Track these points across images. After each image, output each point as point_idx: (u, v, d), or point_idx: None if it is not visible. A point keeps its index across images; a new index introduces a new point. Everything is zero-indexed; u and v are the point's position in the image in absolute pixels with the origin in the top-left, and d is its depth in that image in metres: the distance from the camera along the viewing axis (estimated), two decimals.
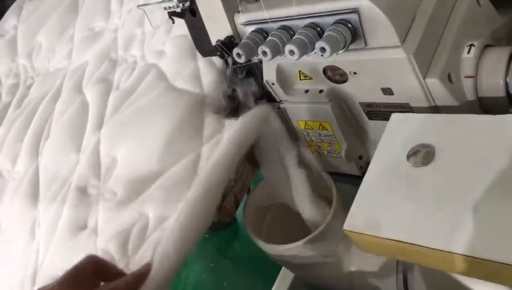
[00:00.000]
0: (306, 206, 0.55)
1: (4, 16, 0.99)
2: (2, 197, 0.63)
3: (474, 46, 0.44)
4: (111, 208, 0.50)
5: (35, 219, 0.58)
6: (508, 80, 0.42)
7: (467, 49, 0.44)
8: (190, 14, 0.51)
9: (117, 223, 0.48)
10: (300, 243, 0.53)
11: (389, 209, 0.39)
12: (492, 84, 0.43)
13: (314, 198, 0.55)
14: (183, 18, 0.52)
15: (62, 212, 0.54)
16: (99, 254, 0.47)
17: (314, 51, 0.42)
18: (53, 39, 0.82)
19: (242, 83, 0.54)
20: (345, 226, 0.40)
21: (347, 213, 0.41)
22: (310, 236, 0.53)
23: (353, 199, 0.41)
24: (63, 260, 0.50)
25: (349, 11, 0.41)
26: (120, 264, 0.44)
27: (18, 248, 0.56)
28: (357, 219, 0.40)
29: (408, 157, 0.40)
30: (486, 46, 0.45)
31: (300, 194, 0.54)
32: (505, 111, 0.43)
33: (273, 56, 0.44)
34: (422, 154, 0.40)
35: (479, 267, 0.33)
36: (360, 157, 0.53)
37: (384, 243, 0.38)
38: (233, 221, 0.70)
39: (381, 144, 0.43)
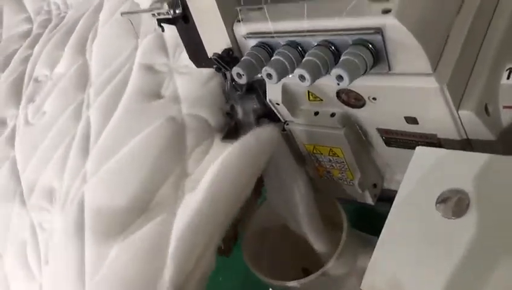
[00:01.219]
0: (313, 234, 0.51)
1: None
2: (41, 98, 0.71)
3: None
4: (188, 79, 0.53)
5: (83, 100, 0.64)
6: None
7: (506, 74, 0.38)
8: (182, 20, 0.45)
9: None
10: (296, 282, 0.49)
11: (414, 268, 0.33)
12: None
13: (320, 226, 0.50)
14: (174, 25, 0.46)
15: (126, 87, 0.58)
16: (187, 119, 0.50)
17: (330, 73, 0.36)
18: None
19: (242, 100, 0.48)
20: (363, 286, 0.34)
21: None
22: (310, 277, 0.49)
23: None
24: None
25: (372, 31, 0.34)
26: None
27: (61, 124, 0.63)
28: (376, 278, 0.34)
29: (437, 204, 0.35)
30: None
31: (306, 221, 0.49)
32: None
33: (279, 79, 0.38)
34: (454, 202, 0.35)
35: None
36: (375, 186, 0.48)
37: None
38: None
39: (404, 184, 0.37)
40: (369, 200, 0.48)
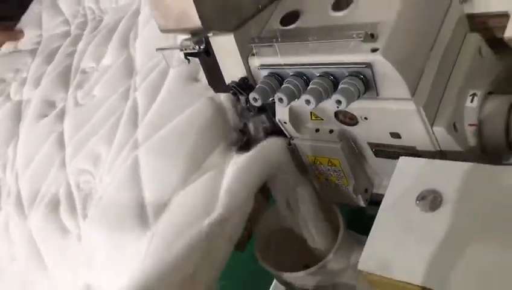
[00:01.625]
0: (312, 236, 0.59)
1: None
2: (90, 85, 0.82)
3: (476, 95, 0.47)
4: None
5: (130, 85, 0.73)
6: (508, 128, 0.46)
7: (470, 98, 0.47)
8: (205, 54, 0.54)
9: None
10: (302, 273, 0.57)
11: (399, 252, 0.42)
12: (494, 131, 0.46)
13: (320, 229, 0.59)
14: (198, 58, 0.54)
15: (168, 74, 0.67)
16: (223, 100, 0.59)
17: (330, 98, 0.45)
18: None
19: (253, 119, 0.56)
20: (359, 267, 0.43)
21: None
22: (312, 269, 0.57)
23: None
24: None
25: (364, 66, 0.43)
26: None
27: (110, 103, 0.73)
28: (370, 260, 0.43)
29: (417, 201, 0.44)
30: (488, 94, 0.48)
31: (308, 224, 0.58)
32: (505, 157, 0.47)
33: (289, 103, 0.47)
34: (430, 200, 0.43)
35: None
36: (366, 191, 0.56)
37: (397, 284, 0.41)
38: None
39: (390, 187, 0.46)
40: (362, 203, 0.57)
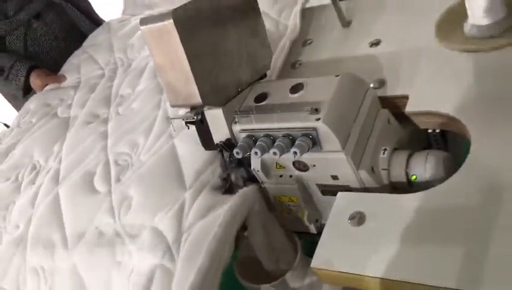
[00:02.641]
0: (276, 257, 0.78)
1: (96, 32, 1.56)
2: (128, 102, 1.09)
3: (386, 150, 0.69)
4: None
5: (161, 99, 1.01)
6: (407, 171, 0.68)
7: (382, 151, 0.70)
8: (200, 122, 0.75)
9: None
10: (267, 285, 0.75)
11: (338, 253, 0.62)
12: (398, 174, 0.68)
13: (283, 251, 0.78)
14: (194, 125, 0.76)
15: None
16: None
17: (289, 151, 0.66)
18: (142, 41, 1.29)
19: (234, 170, 0.77)
20: (312, 265, 0.62)
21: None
22: (274, 283, 0.75)
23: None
24: None
25: (311, 129, 0.65)
26: None
27: (147, 111, 1.00)
28: (318, 259, 0.62)
29: (349, 220, 0.64)
30: (394, 149, 0.71)
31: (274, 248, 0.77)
32: (406, 190, 0.68)
33: (261, 155, 0.68)
34: (357, 218, 0.64)
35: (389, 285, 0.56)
36: (317, 221, 0.77)
37: (337, 275, 0.61)
38: None
39: (332, 211, 0.66)
40: (313, 231, 0.76)
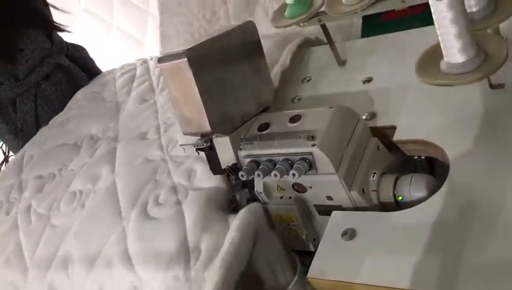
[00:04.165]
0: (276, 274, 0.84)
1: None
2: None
3: (376, 173, 0.77)
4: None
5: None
6: (394, 193, 0.76)
7: (372, 175, 0.77)
8: (209, 149, 0.83)
9: None
10: None
11: (332, 264, 0.69)
12: (386, 195, 0.76)
13: (283, 267, 0.84)
14: (204, 151, 0.84)
15: None
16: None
17: (288, 173, 0.74)
18: None
19: (240, 191, 0.85)
20: (308, 275, 0.70)
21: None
22: None
23: None
24: None
25: (307, 154, 0.74)
26: None
27: None
28: (314, 271, 0.69)
29: (342, 236, 0.72)
30: (383, 173, 0.79)
31: (275, 265, 0.84)
32: (394, 209, 0.75)
33: (264, 177, 0.76)
34: (349, 234, 0.71)
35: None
36: (314, 239, 0.84)
37: (332, 283, 0.68)
38: None
39: (327, 229, 0.74)
40: (311, 249, 0.83)
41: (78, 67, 1.64)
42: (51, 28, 1.59)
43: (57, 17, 1.63)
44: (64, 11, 1.64)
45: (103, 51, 2.64)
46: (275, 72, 1.03)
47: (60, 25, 1.62)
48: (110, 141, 1.10)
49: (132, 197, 0.86)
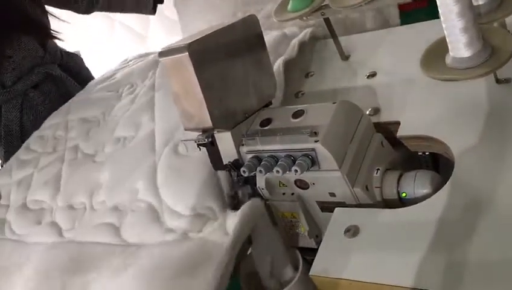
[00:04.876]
0: (279, 270, 0.84)
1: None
2: None
3: (379, 169, 0.76)
4: None
5: None
6: (398, 189, 0.75)
7: (375, 171, 0.76)
8: (210, 144, 0.82)
9: None
10: None
11: (334, 262, 0.68)
12: (390, 192, 0.75)
13: (285, 262, 0.84)
14: (205, 147, 0.83)
15: None
16: None
17: (291, 170, 0.73)
18: None
19: (241, 188, 0.84)
20: (310, 273, 0.69)
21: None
22: None
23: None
24: None
25: (310, 150, 0.73)
26: None
27: None
28: (316, 268, 0.69)
29: (345, 232, 0.71)
30: (387, 170, 0.78)
31: (277, 260, 0.83)
32: (398, 206, 0.75)
33: (266, 173, 0.75)
34: (352, 231, 0.71)
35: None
36: (317, 236, 0.83)
37: (333, 281, 0.67)
38: None
39: (330, 225, 0.73)
40: (314, 245, 0.83)
41: (72, 76, 1.57)
42: (46, 37, 1.54)
43: (54, 24, 1.56)
44: (63, 20, 1.56)
45: (106, 47, 2.63)
46: (278, 64, 1.03)
47: (56, 33, 1.56)
48: (149, 89, 1.13)
49: (166, 138, 0.94)
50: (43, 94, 1.50)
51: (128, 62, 1.45)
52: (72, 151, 1.08)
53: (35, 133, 1.25)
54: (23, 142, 1.31)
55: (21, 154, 1.19)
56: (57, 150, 1.12)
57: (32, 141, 1.21)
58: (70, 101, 1.36)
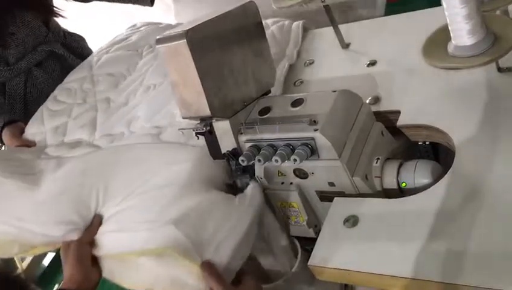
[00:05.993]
0: (280, 258, 0.83)
1: None
2: None
3: (379, 159, 0.76)
4: None
5: None
6: (398, 179, 0.74)
7: (375, 160, 0.76)
8: (209, 133, 0.81)
9: None
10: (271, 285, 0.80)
11: (334, 252, 0.68)
12: (390, 181, 0.74)
13: (286, 251, 0.83)
14: (203, 135, 0.82)
15: None
16: None
17: (290, 159, 0.73)
18: None
19: (240, 177, 0.83)
20: (309, 263, 0.68)
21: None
22: (276, 282, 0.80)
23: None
24: None
25: (309, 139, 0.72)
26: None
27: None
28: (315, 258, 0.68)
29: (344, 222, 0.70)
30: (387, 159, 0.77)
31: (278, 250, 0.82)
32: (398, 196, 0.74)
33: (265, 162, 0.75)
34: (352, 221, 0.70)
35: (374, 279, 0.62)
36: (316, 226, 0.83)
37: (331, 271, 0.67)
38: None
39: (329, 215, 0.73)
40: (313, 235, 0.82)
41: (75, 56, 1.58)
42: (49, 14, 1.55)
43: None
44: None
45: (92, 24, 2.58)
46: (283, 65, 1.03)
47: (59, 10, 1.58)
48: None
49: None
50: (46, 72, 1.51)
51: (138, 28, 1.51)
52: (104, 102, 1.15)
53: (61, 86, 1.32)
54: (26, 118, 1.33)
55: (50, 104, 1.24)
56: (87, 102, 1.18)
57: (59, 93, 1.27)
58: (90, 56, 1.43)
